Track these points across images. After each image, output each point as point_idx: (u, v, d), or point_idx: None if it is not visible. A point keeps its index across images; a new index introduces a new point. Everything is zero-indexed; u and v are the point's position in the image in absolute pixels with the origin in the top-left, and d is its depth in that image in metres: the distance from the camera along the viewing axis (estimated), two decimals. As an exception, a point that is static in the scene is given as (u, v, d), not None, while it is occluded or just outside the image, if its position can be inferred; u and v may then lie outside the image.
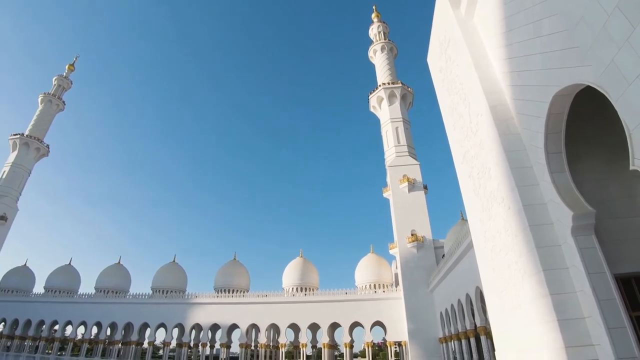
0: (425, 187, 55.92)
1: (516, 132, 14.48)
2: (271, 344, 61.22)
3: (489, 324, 28.71)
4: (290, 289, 62.87)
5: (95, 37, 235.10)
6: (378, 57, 72.26)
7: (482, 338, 29.64)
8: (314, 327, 59.25)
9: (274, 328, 59.41)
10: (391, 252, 55.44)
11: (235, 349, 63.28)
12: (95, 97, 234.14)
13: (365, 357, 60.19)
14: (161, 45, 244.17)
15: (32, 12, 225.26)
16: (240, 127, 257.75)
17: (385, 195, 59.45)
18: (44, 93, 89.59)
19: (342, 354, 58.60)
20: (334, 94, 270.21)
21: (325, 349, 53.41)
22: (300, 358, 55.56)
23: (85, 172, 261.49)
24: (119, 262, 73.52)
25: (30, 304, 65.62)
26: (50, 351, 62.98)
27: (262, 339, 55.44)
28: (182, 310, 58.92)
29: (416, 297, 47.69)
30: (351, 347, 54.28)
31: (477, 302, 29.36)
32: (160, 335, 61.25)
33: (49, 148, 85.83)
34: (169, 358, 62.07)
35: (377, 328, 56.11)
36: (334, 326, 55.30)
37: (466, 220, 38.82)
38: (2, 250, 75.37)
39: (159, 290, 66.37)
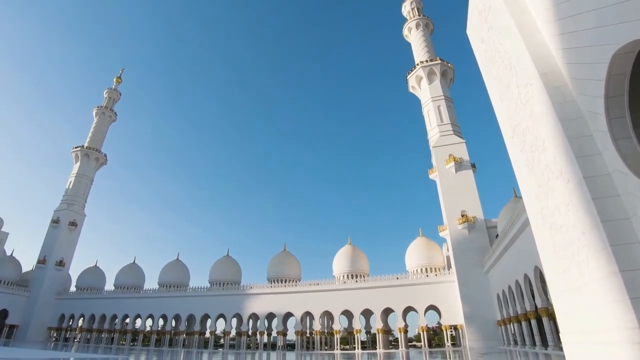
0: (473, 166, 53.77)
1: (571, 99, 13.36)
2: (326, 331, 62.35)
3: (551, 305, 27.31)
4: (341, 277, 63.38)
5: (137, 48, 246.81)
6: (413, 35, 69.78)
7: (544, 320, 28.26)
8: (367, 313, 59.51)
9: (328, 315, 60.38)
10: (441, 234, 54.11)
11: (291, 336, 65.13)
12: (143, 104, 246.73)
13: (420, 341, 59.67)
14: (196, 47, 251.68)
15: (77, 28, 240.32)
16: (279, 118, 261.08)
17: (431, 177, 57.90)
18: (98, 106, 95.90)
19: (397, 338, 58.42)
20: (370, 77, 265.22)
21: (380, 334, 53.56)
22: (354, 344, 56.16)
23: (141, 176, 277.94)
24: (177, 259, 77.83)
25: (103, 301, 71.64)
26: (123, 342, 68.31)
27: (317, 326, 56.58)
28: (238, 301, 61.48)
29: (470, 279, 46.34)
30: (405, 331, 54.02)
31: (537, 282, 27.96)
32: (220, 325, 64.50)
33: (106, 157, 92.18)
34: (229, 346, 65.21)
35: (431, 312, 55.29)
36: (387, 311, 55.21)
37: (520, 197, 36.90)
38: (75, 254, 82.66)
39: (216, 283, 69.60)
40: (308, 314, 59.42)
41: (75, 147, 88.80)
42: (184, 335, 66.25)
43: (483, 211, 50.17)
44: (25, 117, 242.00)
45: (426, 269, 57.27)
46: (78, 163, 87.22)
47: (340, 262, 65.96)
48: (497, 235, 41.42)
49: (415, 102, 71.79)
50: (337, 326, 54.91)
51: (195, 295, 65.23)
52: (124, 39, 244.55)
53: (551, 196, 15.26)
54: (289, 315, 59.84)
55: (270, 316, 61.85)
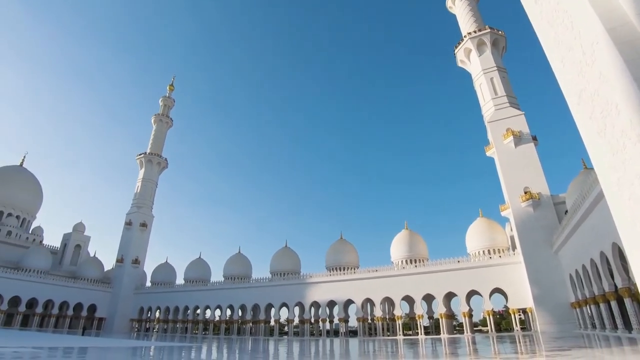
0: (534, 139, 50.16)
1: (647, 54, 11.85)
2: (387, 317, 62.19)
3: (634, 285, 24.95)
4: (400, 262, 62.66)
5: (184, 57, 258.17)
6: (458, 6, 66.01)
7: (627, 301, 25.87)
8: (429, 298, 58.40)
9: (388, 301, 60.11)
10: (503, 214, 51.33)
11: (353, 322, 65.84)
12: (194, 108, 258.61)
13: (486, 325, 57.52)
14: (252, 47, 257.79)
15: (129, 44, 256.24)
16: (321, 111, 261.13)
17: (488, 154, 54.93)
18: (155, 114, 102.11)
19: (461, 323, 56.81)
20: (417, 53, 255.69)
21: (443, 319, 52.35)
22: (417, 329, 55.47)
23: (199, 176, 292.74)
24: (239, 252, 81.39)
25: (175, 294, 77.24)
26: (196, 332, 73.12)
27: (378, 312, 56.57)
28: (299, 290, 63.15)
29: (538, 259, 43.60)
30: (470, 316, 52.26)
31: (616, 260, 25.58)
32: (284, 313, 66.81)
33: (167, 161, 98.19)
34: (293, 334, 67.38)
35: (497, 295, 52.90)
36: (450, 296, 53.75)
37: (590, 168, 33.91)
38: (147, 252, 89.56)
39: (277, 274, 71.95)
40: (368, 300, 59.58)
41: (139, 154, 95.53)
42: (251, 324, 69.46)
43: (549, 186, 46.78)
44: (93, 131, 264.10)
45: (489, 250, 54.79)
46: (143, 168, 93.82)
47: (397, 247, 65.15)
48: (567, 212, 38.46)
49: (466, 77, 68.23)
50: (398, 312, 54.52)
51: (258, 285, 68.03)
52: (172, 48, 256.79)
53: (629, 164, 13.75)
54: (349, 302, 60.41)
55: (331, 304, 62.87)
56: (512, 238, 53.14)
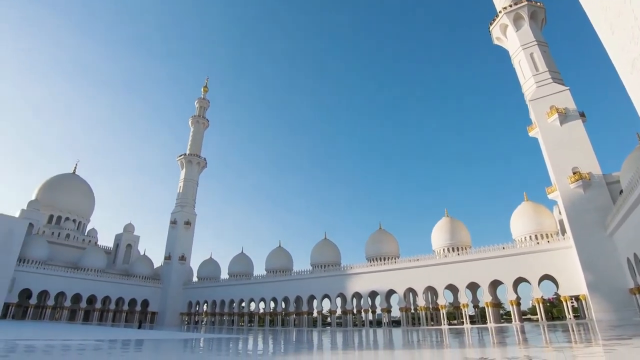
0: (582, 115, 47.12)
1: None
2: (430, 306, 61.28)
3: None
4: (441, 250, 61.40)
5: (217, 57, 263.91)
6: (493, -20, 62.78)
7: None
8: (473, 287, 56.83)
9: (431, 290, 59.18)
10: (550, 196, 48.77)
11: (395, 312, 65.51)
12: (229, 108, 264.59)
13: (535, 314, 55.19)
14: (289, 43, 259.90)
15: (165, 50, 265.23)
16: (355, 95, 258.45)
17: (531, 134, 52.22)
18: (192, 116, 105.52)
19: (509, 312, 54.92)
20: (451, 30, 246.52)
21: (489, 307, 50.83)
22: (462, 318, 54.24)
23: (237, 174, 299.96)
24: (279, 246, 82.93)
25: (220, 288, 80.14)
26: (242, 324, 75.63)
27: (421, 301, 55.83)
28: (341, 281, 63.53)
29: (591, 243, 41.12)
30: (518, 304, 50.38)
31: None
32: (326, 304, 67.52)
33: (206, 161, 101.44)
34: (336, 324, 68.00)
35: (547, 282, 50.52)
36: (495, 284, 52.08)
37: (648, 143, 31.35)
38: (192, 249, 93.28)
39: (318, 266, 72.70)
40: (410, 290, 58.94)
41: (180, 156, 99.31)
42: (294, 316, 70.81)
43: (600, 165, 43.85)
44: (137, 136, 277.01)
45: (536, 235, 52.34)
46: (184, 169, 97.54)
47: (438, 235, 63.82)
48: (621, 191, 35.95)
49: (503, 55, 65.12)
50: (441, 301, 53.55)
51: (299, 278, 69.14)
52: (205, 49, 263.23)
53: (692, 136, 12.60)
54: (391, 292, 60.05)
55: (373, 294, 62.78)
56: (561, 222, 50.51)
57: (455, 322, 64.97)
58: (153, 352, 12.20)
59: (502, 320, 59.91)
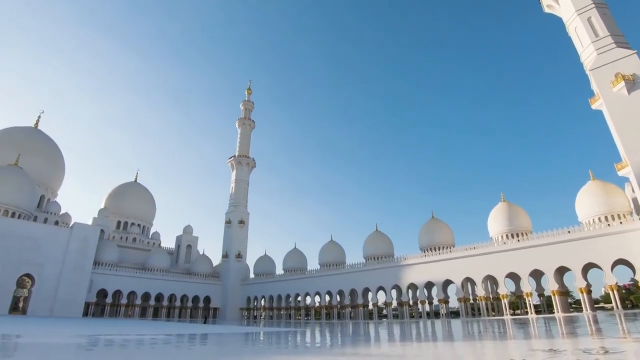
0: (653, 81, 42.68)
1: None
2: (491, 296, 58.85)
3: None
4: (499, 237, 58.69)
5: (258, 60, 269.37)
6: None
7: None
8: (537, 274, 53.74)
9: (491, 279, 56.81)
10: (620, 173, 44.80)
11: (454, 303, 63.59)
12: (272, 107, 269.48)
13: (609, 302, 50.97)
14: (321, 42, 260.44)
15: (209, 56, 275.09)
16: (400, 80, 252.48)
17: (594, 106, 48.16)
18: (238, 119, 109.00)
19: (578, 300, 51.21)
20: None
21: (555, 296, 47.81)
22: (526, 308, 51.50)
23: (284, 172, 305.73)
24: (331, 240, 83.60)
25: (276, 283, 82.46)
26: (299, 317, 77.29)
27: (480, 291, 53.80)
28: (395, 273, 62.81)
29: (673, 222, 37.25)
30: (588, 292, 46.85)
31: None
32: (381, 296, 67.15)
33: (255, 161, 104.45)
34: (393, 316, 67.36)
35: (621, 267, 46.41)
36: (561, 270, 48.86)
37: None
38: (247, 246, 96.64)
39: (371, 258, 72.44)
40: (468, 279, 56.97)
41: (230, 158, 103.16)
42: (350, 309, 71.13)
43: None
44: (188, 142, 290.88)
45: (605, 217, 48.35)
46: (234, 170, 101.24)
47: (495, 221, 61.01)
48: None
49: (557, 24, 60.40)
50: (502, 290, 51.20)
51: (353, 271, 69.27)
52: (245, 53, 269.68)
53: None
54: (448, 282, 58.42)
55: (429, 285, 61.42)
56: (634, 200, 46.26)
57: (519, 312, 61.82)
58: (217, 345, 12.84)
59: (572, 310, 56.11)
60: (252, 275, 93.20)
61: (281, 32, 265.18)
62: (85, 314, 70.67)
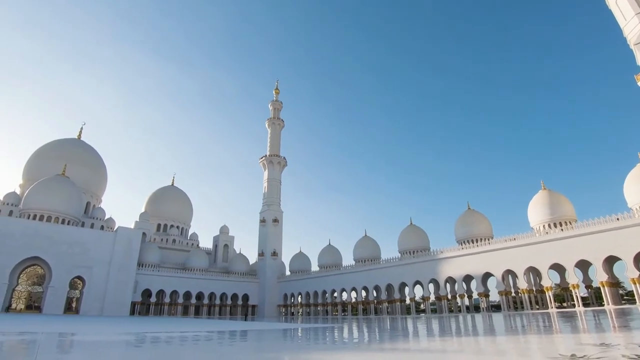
0: None
1: None
2: (534, 288, 56.61)
3: None
4: (541, 227, 56.33)
5: (284, 60, 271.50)
6: None
7: None
8: (584, 265, 51.17)
9: (533, 271, 54.64)
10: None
11: (494, 296, 61.70)
12: (300, 105, 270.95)
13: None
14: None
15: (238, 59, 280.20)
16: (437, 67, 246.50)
17: (641, 84, 45.02)
18: (268, 119, 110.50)
19: (631, 291, 48.20)
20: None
21: (605, 287, 45.31)
22: (572, 300, 49.14)
23: (315, 169, 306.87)
24: (365, 235, 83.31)
25: (311, 280, 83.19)
26: (336, 313, 77.53)
27: (522, 283, 51.89)
28: (431, 267, 61.71)
29: None
30: (644, 282, 44.03)
31: None
32: (418, 291, 66.22)
33: (286, 159, 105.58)
34: (431, 311, 66.30)
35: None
36: (611, 260, 46.25)
37: None
38: (282, 244, 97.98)
39: (406, 252, 71.60)
40: (509, 272, 55.09)
41: (261, 157, 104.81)
42: (386, 304, 70.61)
43: None
44: (221, 144, 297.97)
45: (660, 201, 45.26)
46: (266, 170, 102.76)
47: (536, 210, 58.62)
48: None
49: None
50: (546, 282, 49.11)
51: (388, 266, 68.68)
52: (273, 53, 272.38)
53: None
54: (487, 275, 56.76)
55: (468, 278, 59.91)
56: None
57: (565, 305, 59.19)
58: (257, 340, 13.14)
59: (624, 302, 53.03)
60: (288, 273, 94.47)
61: (305, 28, 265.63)
62: (132, 312, 74.23)
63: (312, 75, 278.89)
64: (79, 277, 69.90)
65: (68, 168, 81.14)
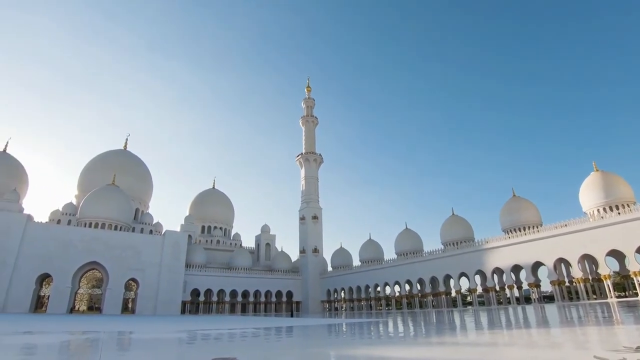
0: None
1: None
2: (590, 277, 53.34)
3: None
4: (595, 211, 53.00)
5: (315, 58, 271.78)
6: None
7: None
8: (646, 250, 47.53)
9: (589, 259, 51.48)
10: None
11: (546, 287, 58.78)
12: (342, 100, 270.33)
13: None
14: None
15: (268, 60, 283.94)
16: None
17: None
18: (302, 117, 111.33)
19: None
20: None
21: (674, 273, 41.89)
22: (635, 289, 45.85)
23: (353, 163, 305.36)
24: (406, 228, 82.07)
25: (353, 275, 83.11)
26: (380, 308, 77.15)
27: (577, 272, 49.06)
28: (477, 258, 59.73)
29: None
30: None
31: None
32: (464, 283, 64.29)
33: (322, 157, 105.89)
34: (478, 303, 64.25)
35: None
36: (679, 244, 42.62)
37: None
38: (323, 241, 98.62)
39: (449, 244, 69.79)
40: (562, 260, 52.24)
41: (297, 155, 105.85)
42: (431, 297, 69.31)
43: None
44: (257, 146, 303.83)
45: None
46: (303, 168, 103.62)
47: (588, 194, 55.17)
48: None
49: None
50: (604, 270, 46.06)
51: (431, 258, 67.16)
52: (303, 53, 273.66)
53: None
54: (537, 264, 54.17)
55: (516, 268, 57.45)
56: None
57: (626, 293, 55.37)
58: (302, 336, 13.33)
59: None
60: (329, 269, 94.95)
61: (334, 24, 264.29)
62: (183, 311, 77.64)
63: (344, 72, 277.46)
64: (133, 279, 74.03)
65: (117, 177, 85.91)
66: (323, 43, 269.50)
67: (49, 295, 65.97)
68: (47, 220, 78.02)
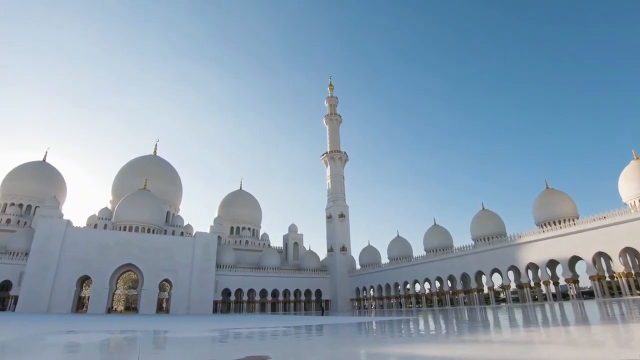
0: None
1: None
2: (633, 272, 50.69)
3: None
4: (636, 202, 50.42)
5: (336, 55, 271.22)
6: None
7: None
8: (695, 241, 44.72)
9: (631, 252, 48.96)
10: None
11: (584, 282, 56.29)
12: (365, 98, 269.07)
13: None
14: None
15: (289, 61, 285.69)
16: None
17: None
18: (325, 115, 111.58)
19: None
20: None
21: None
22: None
23: (379, 159, 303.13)
24: (434, 224, 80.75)
25: (382, 272, 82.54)
26: (410, 305, 76.13)
27: (618, 267, 46.75)
28: (510, 253, 58.01)
29: None
30: None
31: None
32: (497, 279, 62.51)
33: (347, 154, 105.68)
34: (512, 300, 62.35)
35: None
36: None
37: None
38: (351, 239, 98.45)
39: (480, 239, 68.12)
40: (601, 254, 49.94)
41: (322, 154, 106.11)
42: (463, 294, 67.80)
43: None
44: (282, 146, 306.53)
45: None
46: (328, 166, 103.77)
47: (629, 184, 52.52)
48: None
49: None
50: (649, 264, 43.72)
51: (462, 254, 65.77)
52: (325, 51, 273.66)
53: None
54: (575, 259, 52.00)
55: (552, 263, 55.40)
56: None
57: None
58: (333, 334, 13.37)
59: None
60: (358, 267, 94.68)
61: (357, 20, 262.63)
62: (215, 311, 79.41)
63: (366, 69, 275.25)
64: (167, 280, 76.42)
65: (148, 182, 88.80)
66: (342, 43, 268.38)
67: (89, 297, 69.16)
68: (84, 225, 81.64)
